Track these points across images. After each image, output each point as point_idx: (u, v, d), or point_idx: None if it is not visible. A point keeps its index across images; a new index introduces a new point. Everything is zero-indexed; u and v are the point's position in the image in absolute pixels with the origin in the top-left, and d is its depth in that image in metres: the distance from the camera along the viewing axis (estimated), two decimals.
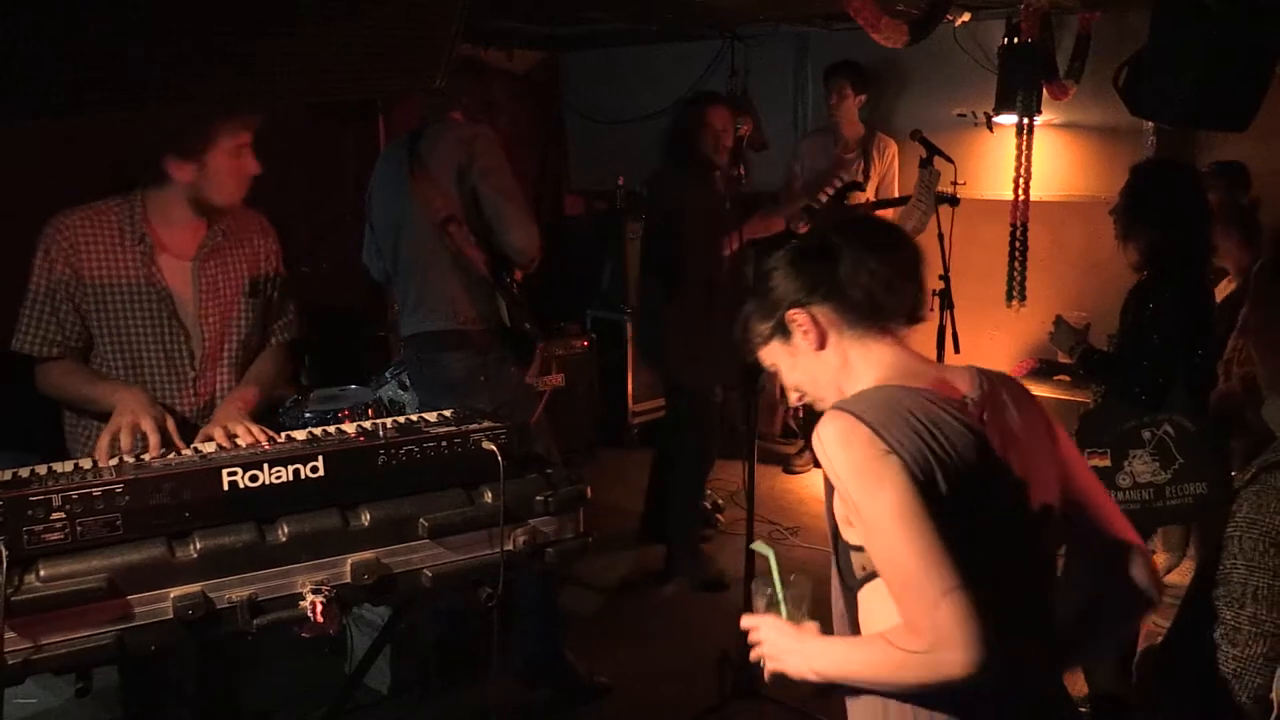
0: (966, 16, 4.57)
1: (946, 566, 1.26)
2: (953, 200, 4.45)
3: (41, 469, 1.74)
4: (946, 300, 4.08)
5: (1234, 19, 2.60)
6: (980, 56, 4.83)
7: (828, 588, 1.52)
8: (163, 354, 2.28)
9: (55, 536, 1.56)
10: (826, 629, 1.51)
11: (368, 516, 1.78)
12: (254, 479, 1.71)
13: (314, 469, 1.76)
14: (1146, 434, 2.77)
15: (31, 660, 1.51)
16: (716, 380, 4.25)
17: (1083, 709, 2.82)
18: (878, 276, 1.47)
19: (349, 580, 1.73)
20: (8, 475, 1.69)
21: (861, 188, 5.06)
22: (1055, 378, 4.75)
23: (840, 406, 1.39)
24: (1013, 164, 4.53)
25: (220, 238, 2.33)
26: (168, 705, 2.54)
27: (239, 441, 1.97)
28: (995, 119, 4.54)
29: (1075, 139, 4.86)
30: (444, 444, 1.88)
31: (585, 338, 5.69)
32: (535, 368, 3.39)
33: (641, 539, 4.57)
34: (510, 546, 1.87)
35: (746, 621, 1.57)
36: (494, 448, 1.89)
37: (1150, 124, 4.35)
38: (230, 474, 1.70)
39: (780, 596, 1.55)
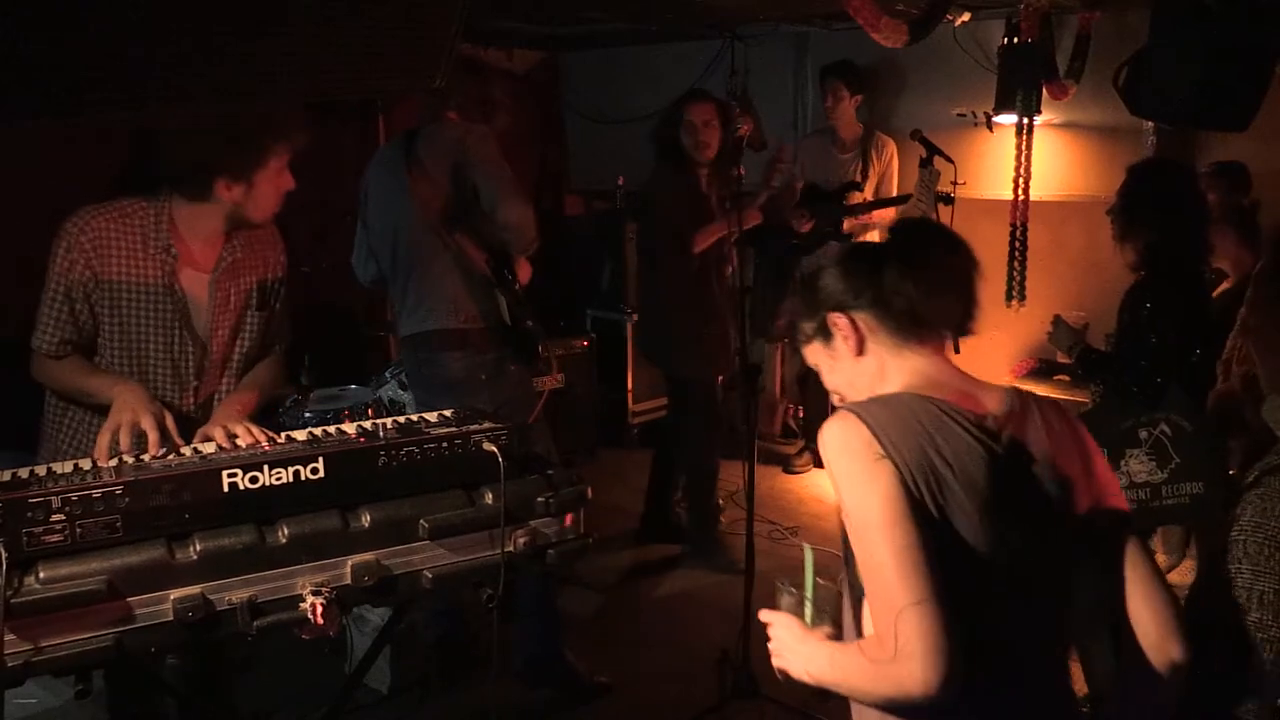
0: (966, 16, 4.57)
1: (919, 578, 1.24)
2: (948, 199, 4.47)
3: (41, 470, 1.73)
4: None
5: (1234, 19, 2.61)
6: (980, 56, 4.83)
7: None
8: (169, 361, 2.28)
9: (55, 538, 1.56)
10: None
11: (368, 518, 1.77)
12: (254, 480, 1.71)
13: (314, 470, 1.75)
14: (1143, 433, 2.77)
15: (31, 662, 1.51)
16: (714, 371, 4.31)
17: (1083, 709, 2.81)
18: (923, 287, 1.45)
19: (349, 582, 1.73)
20: (7, 476, 1.68)
21: (859, 187, 5.06)
22: (1055, 377, 4.75)
23: (848, 407, 1.39)
24: (1012, 164, 4.52)
25: (238, 251, 2.33)
26: (166, 707, 2.54)
27: (239, 442, 1.97)
28: (995, 119, 4.54)
29: (1075, 139, 4.86)
30: (444, 445, 1.88)
31: (585, 338, 5.69)
32: (540, 366, 3.39)
33: (641, 539, 4.58)
34: (511, 547, 1.87)
35: (763, 616, 1.57)
36: (495, 449, 1.88)
37: (1150, 124, 4.35)
38: (230, 475, 1.69)
39: (808, 598, 1.55)
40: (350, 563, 1.74)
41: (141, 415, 2.00)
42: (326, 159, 5.29)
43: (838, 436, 1.36)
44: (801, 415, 5.80)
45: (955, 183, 4.57)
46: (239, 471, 1.70)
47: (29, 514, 1.54)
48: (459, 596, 3.21)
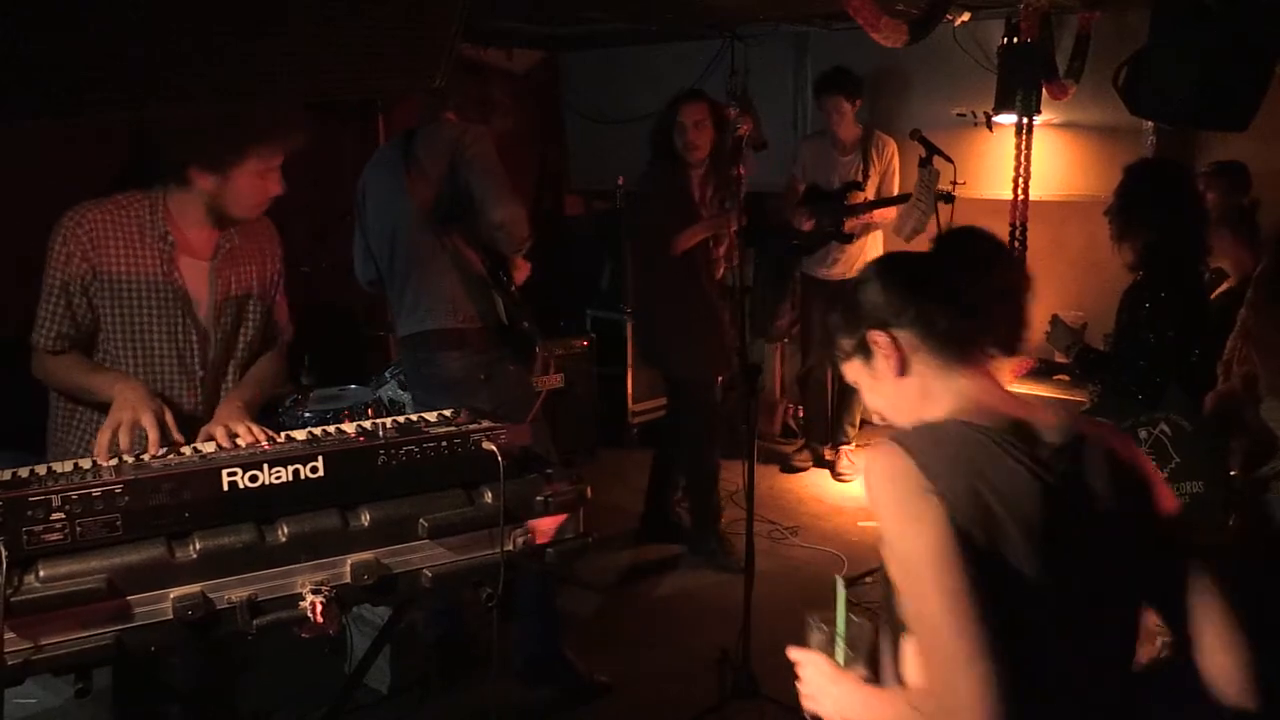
0: (966, 16, 4.58)
1: (974, 627, 1.18)
2: (948, 198, 4.47)
3: (41, 469, 1.73)
4: None
5: (1234, 19, 2.61)
6: (980, 56, 4.83)
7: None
8: (175, 353, 2.28)
9: (55, 537, 1.56)
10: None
11: (367, 517, 1.77)
12: (254, 479, 1.71)
13: (314, 469, 1.76)
14: (1143, 433, 2.77)
15: (31, 661, 1.51)
16: (711, 370, 4.33)
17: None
18: (969, 305, 1.38)
19: (349, 580, 1.73)
20: (7, 475, 1.69)
21: (860, 187, 5.06)
22: (1054, 378, 4.75)
23: (894, 438, 1.32)
24: (1012, 163, 4.53)
25: (235, 239, 2.34)
26: (166, 706, 2.54)
27: (239, 441, 1.97)
28: (995, 119, 4.54)
29: (1075, 139, 4.86)
30: (444, 444, 1.88)
31: (585, 338, 5.70)
32: (537, 367, 3.40)
33: (641, 539, 4.59)
34: (510, 547, 1.87)
35: (792, 654, 1.48)
36: (494, 448, 1.89)
37: (1150, 124, 4.35)
38: (230, 474, 1.70)
39: (840, 634, 1.46)
40: (350, 562, 1.74)
41: (141, 413, 2.00)
42: (326, 159, 5.29)
43: (882, 469, 1.29)
44: (801, 415, 5.81)
45: (955, 182, 4.58)
46: (239, 470, 1.70)
47: (29, 513, 1.55)
48: (458, 596, 3.21)
